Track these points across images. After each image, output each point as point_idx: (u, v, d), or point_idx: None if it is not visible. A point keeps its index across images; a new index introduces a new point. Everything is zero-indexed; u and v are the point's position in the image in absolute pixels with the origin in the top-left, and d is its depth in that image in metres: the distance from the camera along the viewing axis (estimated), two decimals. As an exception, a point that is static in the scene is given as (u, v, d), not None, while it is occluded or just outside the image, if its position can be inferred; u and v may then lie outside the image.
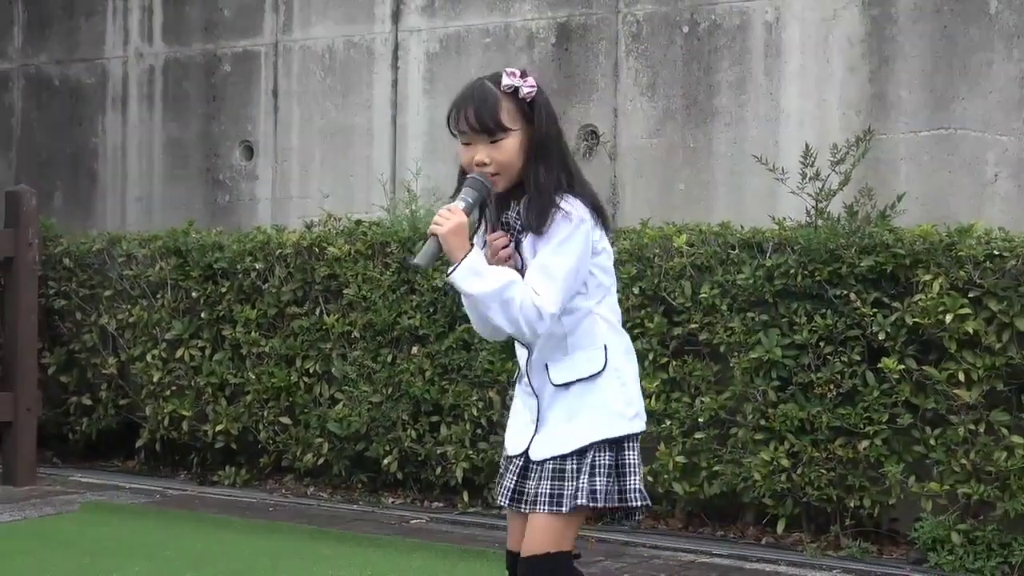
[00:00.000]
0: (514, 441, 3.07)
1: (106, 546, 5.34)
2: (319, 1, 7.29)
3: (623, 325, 3.11)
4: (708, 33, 6.15)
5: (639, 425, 3.02)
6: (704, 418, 5.43)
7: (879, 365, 5.08)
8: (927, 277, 5.01)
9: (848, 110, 5.81)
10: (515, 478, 3.03)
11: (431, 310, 6.12)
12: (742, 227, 5.58)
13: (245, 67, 7.54)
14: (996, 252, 4.94)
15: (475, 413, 5.94)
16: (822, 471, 5.19)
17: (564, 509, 2.92)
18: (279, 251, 6.56)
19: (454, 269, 2.86)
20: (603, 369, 2.97)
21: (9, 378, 6.75)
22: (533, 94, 2.97)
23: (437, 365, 6.07)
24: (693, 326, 5.48)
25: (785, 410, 5.23)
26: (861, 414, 5.11)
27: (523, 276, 2.90)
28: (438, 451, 6.05)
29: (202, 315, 6.78)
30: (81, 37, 8.16)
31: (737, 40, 6.08)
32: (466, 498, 6.07)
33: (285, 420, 6.51)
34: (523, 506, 2.98)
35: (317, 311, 6.48)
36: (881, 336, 5.08)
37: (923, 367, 5.06)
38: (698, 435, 5.45)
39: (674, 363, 5.50)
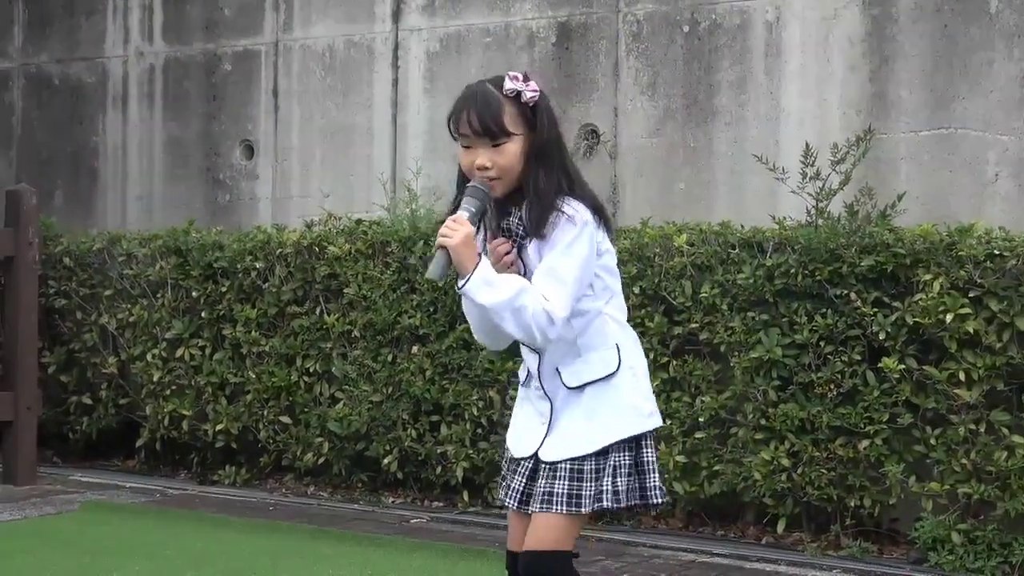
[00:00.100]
0: (521, 443, 3.05)
1: (106, 545, 5.34)
2: (319, 0, 7.29)
3: (626, 324, 3.11)
4: (708, 32, 6.15)
5: (656, 421, 3.03)
6: (704, 417, 5.43)
7: (879, 365, 5.08)
8: (927, 277, 5.01)
9: (848, 109, 5.81)
10: (524, 480, 3.02)
11: (431, 309, 6.12)
12: (742, 226, 5.57)
13: (245, 66, 7.54)
14: (996, 252, 4.94)
15: (475, 413, 5.94)
16: (822, 471, 5.19)
17: (584, 510, 2.92)
18: (279, 250, 6.55)
19: (467, 281, 2.83)
20: (618, 368, 2.97)
21: (9, 377, 6.75)
22: (536, 98, 2.95)
23: (437, 364, 6.07)
24: (693, 326, 5.48)
25: (785, 410, 5.23)
26: (861, 414, 5.11)
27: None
28: (438, 450, 6.05)
29: (202, 314, 6.78)
30: (81, 36, 8.16)
31: (737, 39, 6.08)
32: (466, 497, 6.07)
33: (285, 419, 6.51)
34: (535, 507, 2.95)
35: (317, 310, 6.48)
36: (881, 336, 5.08)
37: (923, 367, 5.06)
38: (698, 435, 5.44)
39: (674, 363, 5.50)
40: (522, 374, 3.12)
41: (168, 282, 6.90)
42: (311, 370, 6.46)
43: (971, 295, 4.95)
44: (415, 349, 6.14)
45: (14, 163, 8.41)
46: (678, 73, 6.22)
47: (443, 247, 2.85)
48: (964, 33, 5.58)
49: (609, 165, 6.36)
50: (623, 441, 2.95)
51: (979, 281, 4.94)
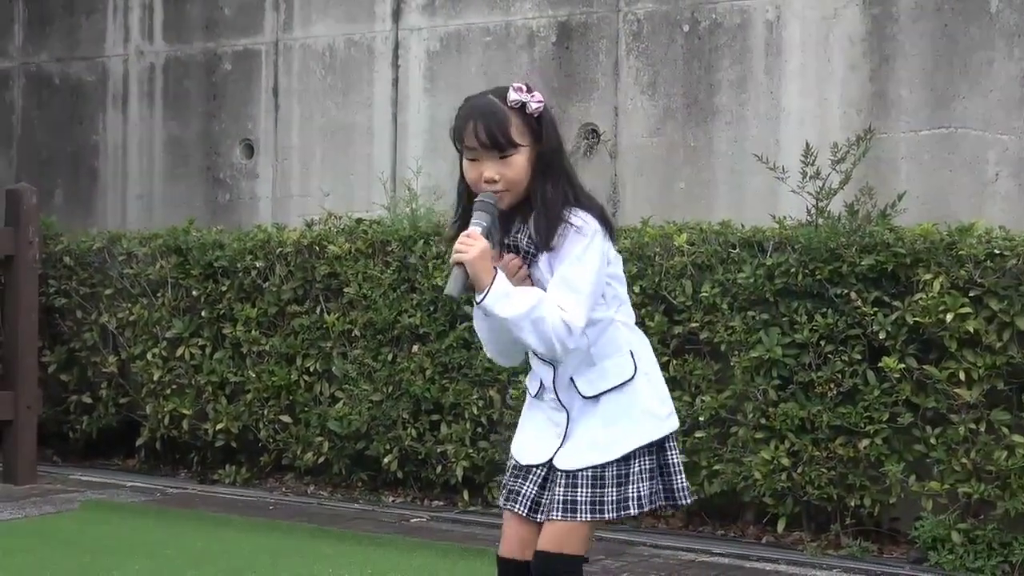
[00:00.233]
0: (532, 451, 3.03)
1: (106, 544, 5.34)
2: (320, 0, 7.30)
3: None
4: (709, 32, 6.15)
5: (674, 422, 3.04)
6: (704, 417, 5.43)
7: (880, 364, 5.08)
8: (928, 276, 5.01)
9: (849, 109, 5.81)
10: (535, 488, 3.00)
11: (431, 309, 6.12)
12: (743, 226, 5.57)
13: (246, 65, 7.54)
14: (997, 251, 4.94)
15: (475, 412, 5.93)
16: (822, 470, 5.19)
17: (607, 516, 2.93)
18: (279, 249, 6.56)
19: (485, 295, 2.81)
20: (634, 375, 2.97)
21: (9, 376, 6.75)
22: (540, 109, 2.93)
23: (437, 364, 6.07)
24: (694, 325, 5.48)
25: (785, 409, 5.23)
26: (861, 413, 5.11)
27: None
28: (438, 450, 6.05)
29: (202, 313, 6.78)
30: (82, 35, 8.16)
31: (738, 39, 6.08)
32: (466, 497, 6.07)
33: (285, 419, 6.51)
34: (556, 515, 2.94)
35: (317, 309, 6.48)
36: (882, 335, 5.08)
37: (924, 366, 5.06)
38: (698, 434, 5.44)
39: (674, 362, 5.50)
40: (532, 387, 3.09)
41: (168, 281, 6.90)
42: (311, 369, 6.46)
43: (971, 294, 4.95)
44: (415, 348, 6.14)
45: (14, 162, 8.41)
46: (678, 72, 6.22)
47: (459, 263, 2.83)
48: (964, 32, 5.58)
49: (609, 164, 6.36)
50: (644, 446, 2.95)
51: (979, 280, 4.94)
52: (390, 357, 6.21)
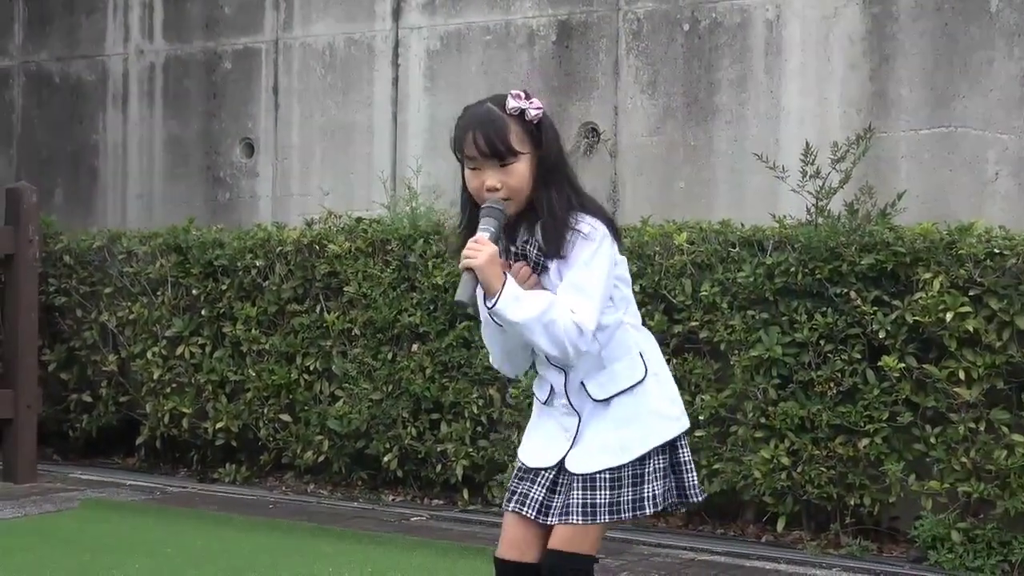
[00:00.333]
0: (541, 454, 3.02)
1: (106, 543, 5.34)
2: (320, -2, 7.30)
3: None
4: (709, 31, 6.15)
5: (684, 422, 3.04)
6: (704, 416, 5.43)
7: (879, 363, 5.08)
8: (927, 275, 5.01)
9: (849, 108, 5.81)
10: (543, 491, 2.99)
11: (431, 308, 6.12)
12: (743, 225, 5.58)
13: (246, 64, 7.54)
14: (996, 250, 4.94)
15: (475, 411, 5.93)
16: (822, 469, 5.19)
17: (623, 516, 2.93)
18: (279, 248, 6.56)
19: (497, 300, 2.80)
20: (644, 376, 2.98)
21: (9, 375, 6.75)
22: (539, 116, 2.92)
23: (437, 363, 6.07)
24: (693, 324, 5.48)
25: (785, 408, 5.23)
26: (861, 412, 5.11)
27: None
28: (438, 448, 6.05)
29: (202, 312, 6.78)
30: (82, 34, 8.16)
31: (738, 38, 6.08)
32: (466, 495, 6.07)
33: (285, 417, 6.51)
34: (575, 519, 2.92)
35: (317, 308, 6.48)
36: (881, 334, 5.08)
37: (923, 365, 5.06)
38: (698, 433, 5.44)
39: (674, 361, 5.49)
40: (541, 393, 3.07)
41: (168, 280, 6.90)
42: (311, 368, 6.46)
43: (971, 294, 4.95)
44: (415, 347, 6.14)
45: (14, 161, 8.41)
46: (678, 71, 6.22)
47: (469, 269, 2.82)
48: (964, 32, 5.58)
49: (609, 163, 6.36)
50: (657, 447, 2.96)
51: (979, 280, 4.94)
52: (390, 356, 6.22)
